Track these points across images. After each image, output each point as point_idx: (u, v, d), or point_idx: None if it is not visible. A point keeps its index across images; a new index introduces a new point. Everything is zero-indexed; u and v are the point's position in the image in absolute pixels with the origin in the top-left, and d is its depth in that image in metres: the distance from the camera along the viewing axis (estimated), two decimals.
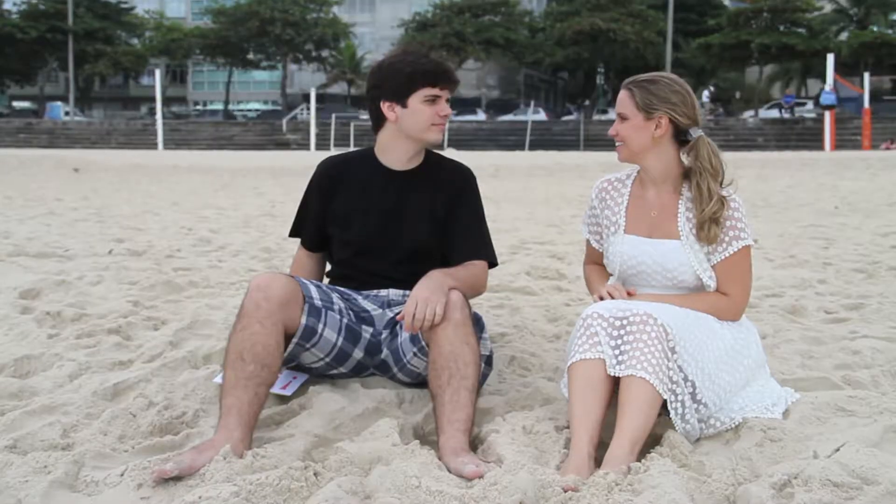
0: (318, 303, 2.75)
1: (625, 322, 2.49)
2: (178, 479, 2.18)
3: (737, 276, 2.69)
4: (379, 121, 2.91)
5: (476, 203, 3.02)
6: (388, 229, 2.93)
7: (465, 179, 3.02)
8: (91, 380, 3.03)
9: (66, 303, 4.31)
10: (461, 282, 2.73)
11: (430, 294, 2.57)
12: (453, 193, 2.97)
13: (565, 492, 2.08)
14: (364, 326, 2.88)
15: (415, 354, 2.78)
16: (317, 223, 3.06)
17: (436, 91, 2.81)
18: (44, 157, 26.59)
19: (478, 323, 2.76)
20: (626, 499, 2.02)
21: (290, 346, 2.69)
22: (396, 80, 2.81)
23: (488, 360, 2.94)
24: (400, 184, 2.95)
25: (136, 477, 2.18)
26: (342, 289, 2.96)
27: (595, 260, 3.00)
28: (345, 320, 2.81)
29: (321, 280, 3.14)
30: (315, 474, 2.17)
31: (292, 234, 3.17)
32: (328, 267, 3.16)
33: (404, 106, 2.82)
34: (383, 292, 2.96)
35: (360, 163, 3.02)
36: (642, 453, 2.32)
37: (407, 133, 2.86)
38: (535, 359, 3.39)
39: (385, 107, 2.84)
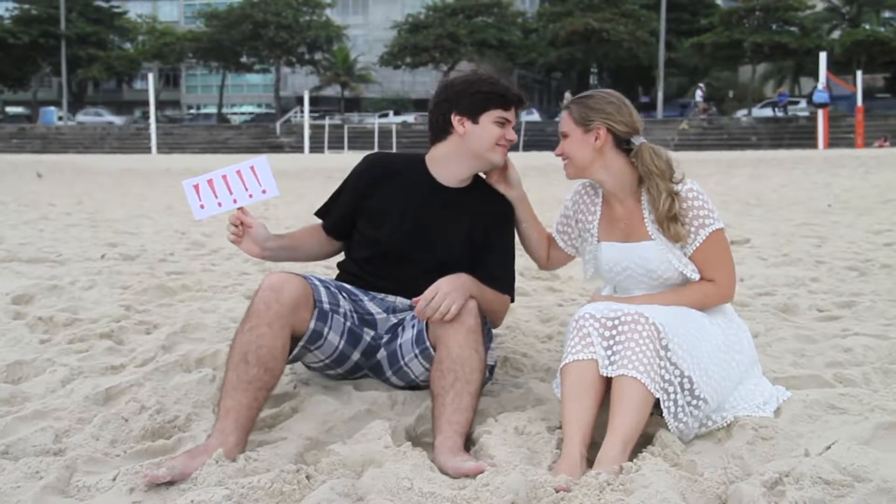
0: (326, 306, 2.74)
1: (616, 322, 2.50)
2: (170, 483, 2.18)
3: (716, 261, 2.72)
4: (444, 133, 2.87)
5: (512, 238, 3.02)
6: (420, 239, 2.90)
7: (507, 211, 3.00)
8: (83, 384, 3.03)
9: (58, 308, 4.31)
10: (484, 299, 2.74)
11: (452, 289, 2.58)
12: (493, 222, 2.95)
13: (557, 492, 2.08)
14: (366, 329, 2.88)
15: (415, 356, 2.77)
16: (343, 214, 3.01)
17: (507, 115, 2.82)
18: (37, 163, 26.52)
19: (487, 333, 2.79)
20: (617, 498, 2.02)
21: (296, 349, 2.69)
22: (472, 97, 2.80)
23: (490, 370, 2.95)
24: (444, 199, 2.91)
25: (129, 482, 2.18)
26: (349, 287, 2.92)
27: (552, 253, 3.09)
28: (348, 324, 2.80)
29: (318, 251, 3.10)
30: (307, 477, 2.17)
31: (318, 213, 3.12)
32: (341, 256, 3.11)
33: (475, 122, 2.81)
34: (391, 297, 2.94)
35: (409, 167, 2.98)
36: (634, 453, 2.32)
37: (471, 149, 2.84)
38: (528, 359, 3.40)
39: (455, 120, 2.82)
